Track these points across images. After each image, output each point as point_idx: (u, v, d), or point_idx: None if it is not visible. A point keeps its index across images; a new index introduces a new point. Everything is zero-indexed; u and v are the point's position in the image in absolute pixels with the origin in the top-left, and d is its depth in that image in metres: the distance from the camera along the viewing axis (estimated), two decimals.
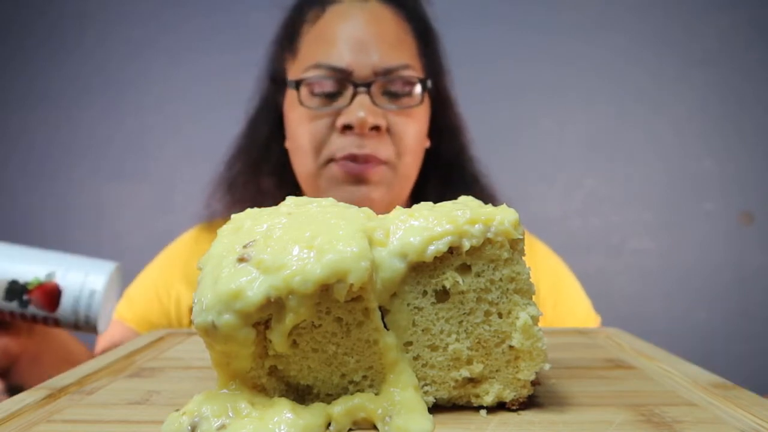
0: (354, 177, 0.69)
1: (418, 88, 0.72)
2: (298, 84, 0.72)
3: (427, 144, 0.80)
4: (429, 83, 0.73)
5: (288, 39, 0.78)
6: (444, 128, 0.82)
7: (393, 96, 0.71)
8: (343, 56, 0.69)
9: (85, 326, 0.61)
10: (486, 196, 0.80)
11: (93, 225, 1.44)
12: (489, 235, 0.32)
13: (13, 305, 0.58)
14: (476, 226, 0.32)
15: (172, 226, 1.02)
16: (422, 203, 0.35)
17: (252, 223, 0.33)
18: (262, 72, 0.84)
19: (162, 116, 1.45)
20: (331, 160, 0.70)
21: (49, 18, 1.45)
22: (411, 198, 0.81)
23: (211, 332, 0.30)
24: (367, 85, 0.69)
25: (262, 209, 0.35)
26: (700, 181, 1.38)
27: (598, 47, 1.39)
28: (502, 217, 0.32)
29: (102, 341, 0.77)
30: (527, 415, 0.32)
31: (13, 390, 0.63)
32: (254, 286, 0.29)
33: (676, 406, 0.33)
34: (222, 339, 0.30)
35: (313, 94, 0.71)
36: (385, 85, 0.70)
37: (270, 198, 0.80)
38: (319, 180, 0.72)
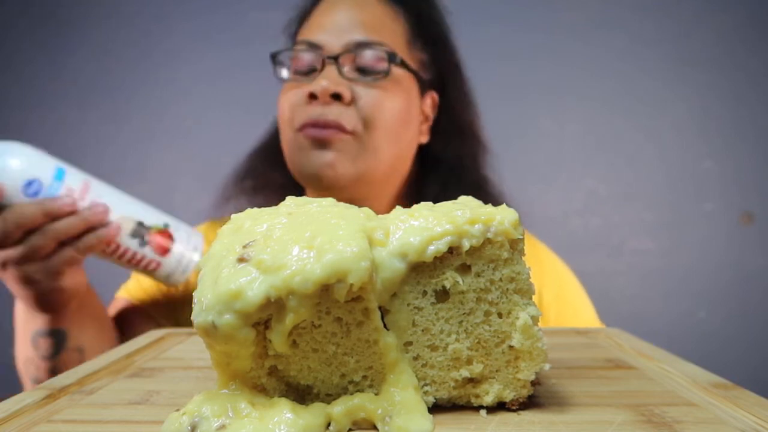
0: (317, 142, 0.71)
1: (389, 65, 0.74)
2: (275, 56, 0.76)
3: (424, 139, 0.80)
4: (398, 58, 0.74)
5: (291, 35, 0.82)
6: (450, 130, 0.82)
7: (364, 71, 0.73)
8: (318, 33, 0.73)
9: (180, 275, 0.70)
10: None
11: None
12: (489, 235, 0.32)
13: (134, 243, 0.65)
14: (476, 226, 0.32)
15: None
16: (422, 203, 0.35)
17: (252, 223, 0.33)
18: None
19: (162, 117, 1.45)
20: (298, 130, 0.72)
21: (49, 19, 1.45)
22: (409, 198, 0.82)
23: (211, 332, 0.30)
24: (336, 57, 0.71)
25: (262, 209, 0.35)
26: (700, 181, 1.38)
27: (598, 47, 1.39)
28: (501, 217, 0.32)
29: (110, 312, 0.80)
30: (527, 415, 0.32)
31: (53, 334, 0.66)
32: (254, 286, 0.29)
33: (676, 406, 0.33)
34: (222, 339, 0.30)
35: (295, 72, 0.75)
36: (356, 59, 0.72)
37: (277, 190, 0.84)
38: (292, 152, 0.74)
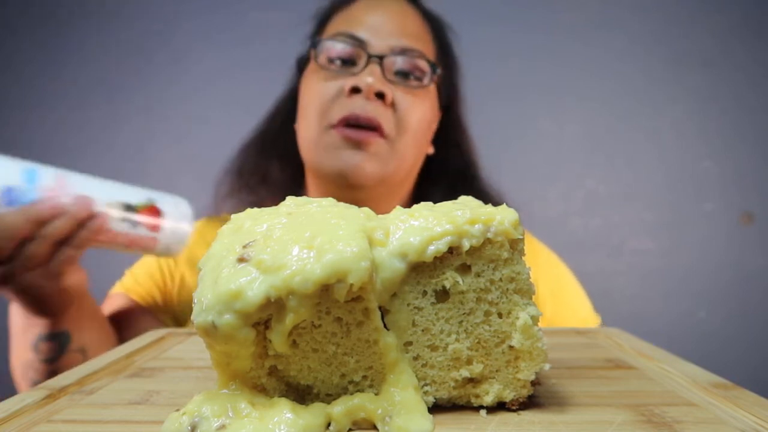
0: (352, 142, 0.71)
1: (428, 76, 0.76)
2: (316, 44, 0.76)
3: (431, 150, 0.83)
4: (438, 70, 0.76)
5: (317, 26, 0.83)
6: (452, 145, 0.86)
7: (404, 76, 0.74)
8: (359, 29, 0.74)
9: (177, 245, 0.69)
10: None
11: None
12: (489, 235, 0.32)
13: (126, 226, 0.65)
14: (476, 226, 0.32)
15: None
16: (422, 203, 0.35)
17: (252, 223, 0.33)
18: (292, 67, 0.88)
19: (162, 117, 1.45)
20: (332, 126, 0.72)
21: (49, 19, 1.45)
22: (412, 203, 0.83)
23: (211, 332, 0.30)
24: (381, 57, 0.72)
25: (262, 209, 0.35)
26: (700, 181, 1.38)
27: (597, 48, 1.39)
28: (501, 217, 0.32)
29: (107, 308, 0.80)
30: (527, 415, 0.32)
31: (56, 336, 0.66)
32: (254, 286, 0.29)
33: (676, 406, 0.33)
34: (222, 339, 0.30)
35: (330, 60, 0.75)
36: (398, 63, 0.73)
37: (276, 184, 0.84)
38: (318, 146, 0.73)
